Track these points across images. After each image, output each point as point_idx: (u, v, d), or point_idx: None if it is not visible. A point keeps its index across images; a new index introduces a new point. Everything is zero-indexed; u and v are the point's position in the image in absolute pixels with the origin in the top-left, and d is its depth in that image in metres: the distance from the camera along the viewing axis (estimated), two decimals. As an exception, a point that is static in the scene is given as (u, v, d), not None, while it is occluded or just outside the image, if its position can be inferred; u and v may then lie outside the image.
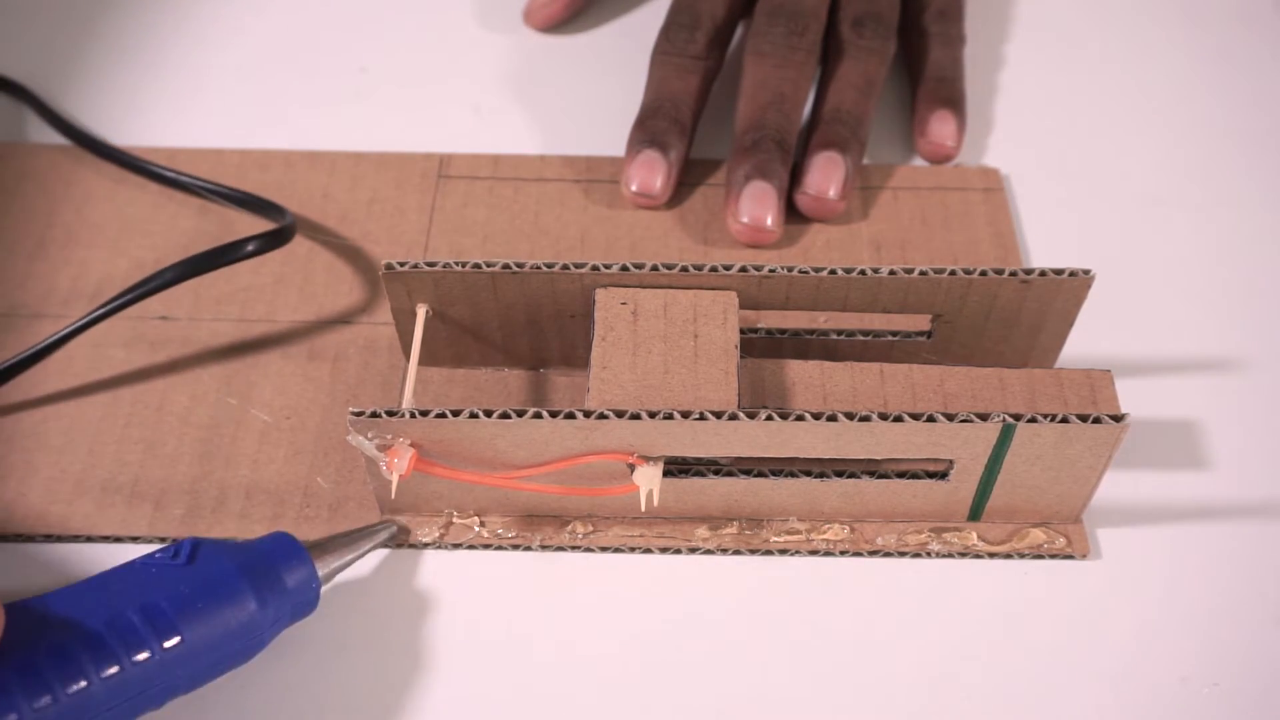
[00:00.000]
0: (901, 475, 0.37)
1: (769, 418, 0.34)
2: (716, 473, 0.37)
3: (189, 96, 0.52)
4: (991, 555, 0.38)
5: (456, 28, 0.55)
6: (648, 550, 0.38)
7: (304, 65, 0.53)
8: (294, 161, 0.49)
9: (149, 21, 0.55)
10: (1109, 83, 0.53)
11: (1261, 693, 0.36)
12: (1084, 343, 0.43)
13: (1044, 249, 0.47)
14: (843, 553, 0.38)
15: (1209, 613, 0.37)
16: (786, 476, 0.37)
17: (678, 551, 0.38)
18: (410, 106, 0.52)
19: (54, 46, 0.54)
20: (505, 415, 0.34)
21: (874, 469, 0.38)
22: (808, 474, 0.37)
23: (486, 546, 0.38)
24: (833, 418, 0.34)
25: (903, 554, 0.38)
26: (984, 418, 0.34)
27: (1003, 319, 0.40)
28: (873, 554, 0.38)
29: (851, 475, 0.37)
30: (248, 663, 0.35)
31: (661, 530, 0.39)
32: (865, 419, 0.34)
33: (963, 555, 0.38)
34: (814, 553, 0.38)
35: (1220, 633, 0.37)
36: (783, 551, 0.38)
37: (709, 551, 0.38)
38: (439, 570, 0.38)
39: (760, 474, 0.37)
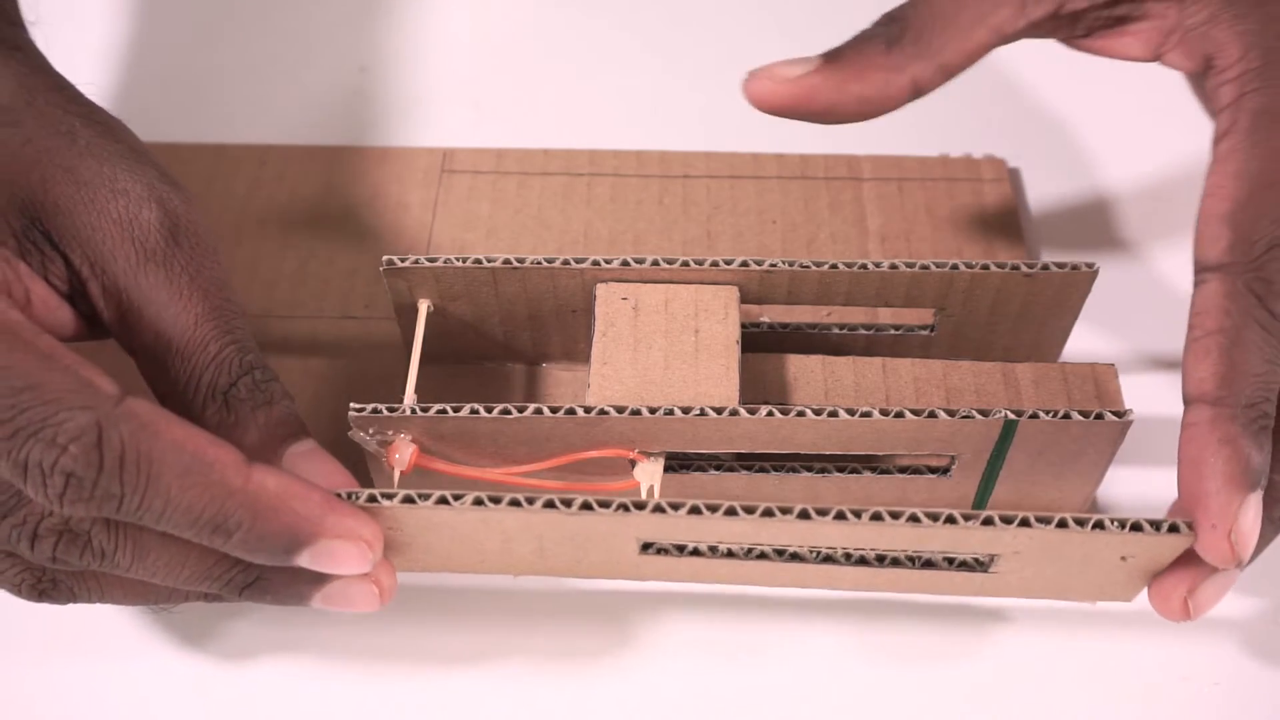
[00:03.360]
0: (903, 470, 0.37)
1: (769, 413, 0.34)
2: (718, 468, 0.37)
3: (191, 94, 0.52)
4: (994, 550, 0.38)
5: (455, 27, 0.55)
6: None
7: (304, 66, 0.53)
8: (295, 156, 0.49)
9: (149, 20, 0.55)
10: (1116, 75, 0.53)
11: (1261, 693, 0.36)
12: (1090, 337, 0.43)
13: (1051, 242, 0.47)
14: (845, 548, 0.38)
15: (1209, 612, 0.37)
16: (788, 472, 0.37)
17: (680, 547, 0.38)
18: (411, 104, 0.51)
19: (54, 46, 0.54)
20: (506, 411, 0.34)
21: (876, 464, 0.37)
22: (809, 469, 0.37)
23: (488, 542, 0.38)
24: (834, 413, 0.34)
25: (905, 549, 0.38)
26: (985, 413, 0.34)
27: (1006, 312, 0.39)
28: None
29: (853, 470, 0.37)
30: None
31: (663, 526, 0.38)
32: (866, 414, 0.34)
33: (966, 550, 0.38)
34: (816, 548, 0.38)
35: (1220, 632, 0.37)
36: (785, 547, 0.38)
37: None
38: (444, 587, 0.38)
39: (762, 469, 0.37)
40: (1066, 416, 0.34)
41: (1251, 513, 0.31)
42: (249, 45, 0.54)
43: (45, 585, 0.32)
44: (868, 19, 0.55)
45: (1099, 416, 0.34)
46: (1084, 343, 0.43)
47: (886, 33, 0.37)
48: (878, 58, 0.36)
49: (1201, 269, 0.34)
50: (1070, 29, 0.37)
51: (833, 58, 0.37)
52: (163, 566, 0.31)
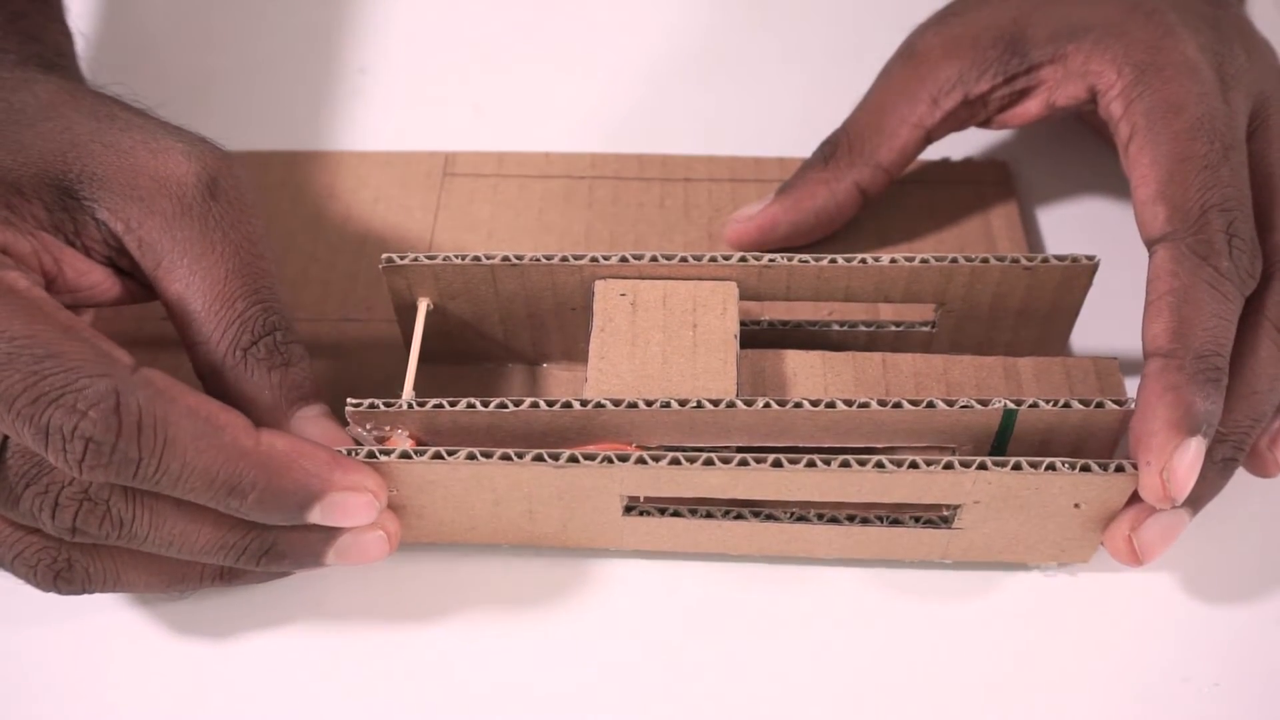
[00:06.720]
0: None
1: (766, 405, 0.34)
2: (717, 463, 0.37)
3: (189, 97, 0.52)
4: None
5: (455, 27, 0.55)
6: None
7: (303, 67, 0.53)
8: (298, 162, 0.49)
9: (149, 24, 0.55)
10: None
11: (1262, 693, 0.35)
12: (1094, 333, 0.42)
13: (1053, 243, 0.46)
14: (846, 544, 0.38)
15: (1209, 613, 0.37)
16: (787, 466, 0.37)
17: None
18: (411, 106, 0.52)
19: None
20: (502, 405, 0.34)
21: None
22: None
23: (487, 539, 0.38)
24: (831, 404, 0.34)
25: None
26: (984, 403, 0.34)
27: (1008, 308, 0.39)
28: (876, 546, 0.38)
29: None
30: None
31: (662, 522, 0.38)
32: (864, 405, 0.34)
33: (967, 547, 0.38)
34: (816, 544, 0.38)
35: (1220, 633, 0.37)
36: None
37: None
38: (439, 563, 0.38)
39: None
40: (1066, 406, 0.34)
41: (1190, 455, 0.32)
42: (247, 47, 0.54)
43: (61, 566, 0.33)
44: (866, 18, 0.56)
45: (1099, 405, 0.34)
46: (1088, 342, 0.42)
47: (822, 152, 0.43)
48: (819, 174, 0.43)
49: (1149, 244, 0.36)
50: (983, 111, 0.42)
51: (784, 188, 0.43)
52: (179, 535, 0.32)
